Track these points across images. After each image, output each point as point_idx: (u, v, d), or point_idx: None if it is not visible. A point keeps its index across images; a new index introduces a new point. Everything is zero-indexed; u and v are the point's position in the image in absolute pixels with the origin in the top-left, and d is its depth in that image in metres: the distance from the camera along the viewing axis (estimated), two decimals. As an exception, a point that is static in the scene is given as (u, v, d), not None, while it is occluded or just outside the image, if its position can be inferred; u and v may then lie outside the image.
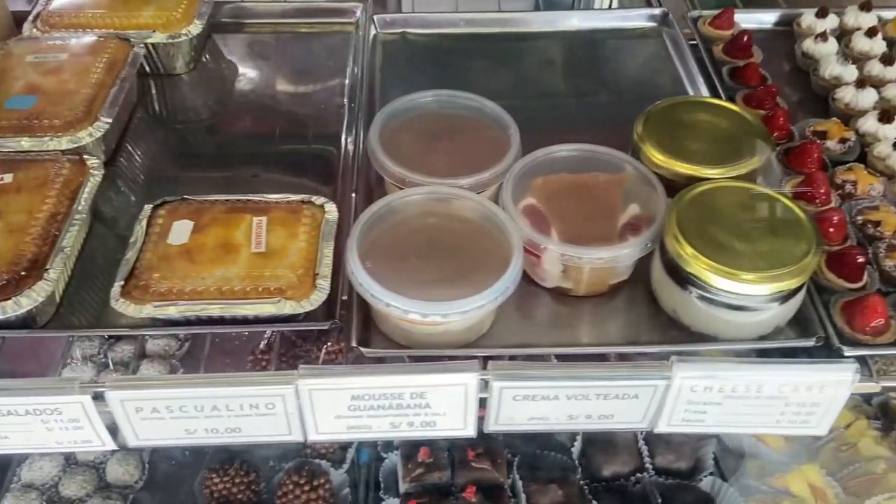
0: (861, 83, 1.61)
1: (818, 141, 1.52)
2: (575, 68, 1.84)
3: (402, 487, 1.55)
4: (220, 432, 1.20)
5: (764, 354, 1.25)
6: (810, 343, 1.19)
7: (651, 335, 1.25)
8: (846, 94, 1.62)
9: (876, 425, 1.71)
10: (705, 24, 1.86)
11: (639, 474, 1.60)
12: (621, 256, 1.21)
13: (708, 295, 1.16)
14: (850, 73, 1.67)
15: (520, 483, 1.56)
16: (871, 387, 1.18)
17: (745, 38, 1.75)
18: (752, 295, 1.13)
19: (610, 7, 2.56)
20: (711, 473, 1.62)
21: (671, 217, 1.19)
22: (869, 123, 1.54)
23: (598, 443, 1.65)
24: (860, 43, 1.76)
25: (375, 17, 1.93)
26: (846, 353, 1.17)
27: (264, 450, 1.67)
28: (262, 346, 1.83)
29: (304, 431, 1.20)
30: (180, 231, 1.24)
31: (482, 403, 1.17)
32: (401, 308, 1.11)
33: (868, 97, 1.60)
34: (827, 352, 1.20)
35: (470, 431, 1.23)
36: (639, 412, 1.20)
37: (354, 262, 1.16)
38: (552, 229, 1.27)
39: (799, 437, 1.71)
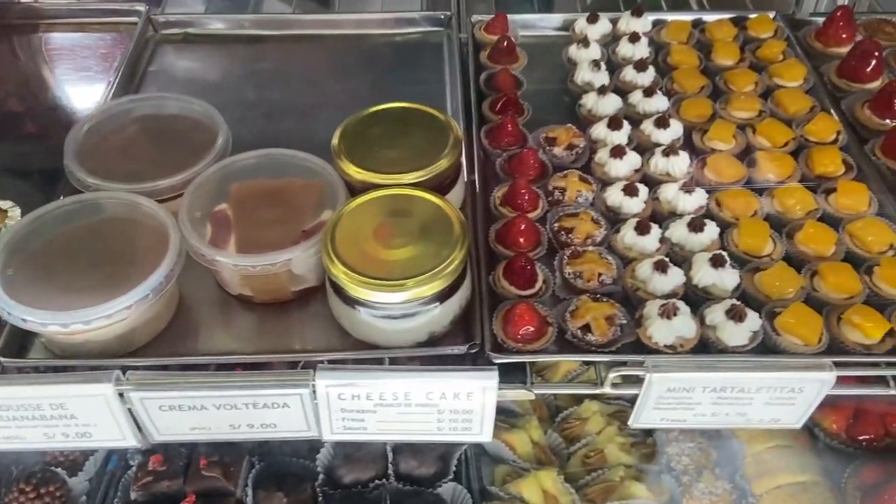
0: (603, 89, 1.61)
1: (548, 148, 1.52)
2: (343, 72, 1.83)
3: (131, 495, 1.53)
4: None
5: (442, 361, 1.24)
6: (463, 350, 1.19)
7: (317, 342, 1.24)
8: (589, 100, 1.62)
9: (634, 431, 1.71)
10: (481, 29, 1.86)
11: (379, 480, 1.59)
12: (284, 263, 1.20)
13: (355, 304, 1.15)
14: (600, 78, 1.67)
15: (251, 492, 1.54)
16: (526, 395, 1.18)
17: (505, 44, 1.75)
18: (392, 303, 1.12)
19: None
20: (453, 479, 1.61)
21: (328, 228, 1.18)
22: (599, 130, 1.54)
23: (347, 448, 1.64)
24: (624, 49, 1.76)
25: (154, 18, 1.91)
26: (495, 360, 1.16)
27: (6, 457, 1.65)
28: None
29: (-46, 441, 1.19)
30: None
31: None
32: (18, 317, 1.09)
33: (609, 104, 1.60)
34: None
35: (132, 441, 1.21)
36: (299, 420, 1.19)
37: (-8, 270, 1.14)
38: (232, 236, 1.26)
39: (550, 441, 1.71)
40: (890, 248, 1.31)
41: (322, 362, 1.14)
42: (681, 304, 1.18)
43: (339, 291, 1.16)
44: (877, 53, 1.63)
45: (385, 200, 1.22)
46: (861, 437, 1.67)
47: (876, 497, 1.52)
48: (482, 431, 1.21)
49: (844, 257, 1.30)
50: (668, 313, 1.16)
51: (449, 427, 1.20)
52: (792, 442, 1.61)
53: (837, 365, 1.12)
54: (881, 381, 1.17)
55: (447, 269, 1.12)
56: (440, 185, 1.32)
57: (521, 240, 1.32)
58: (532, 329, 1.17)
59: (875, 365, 1.15)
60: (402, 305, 1.13)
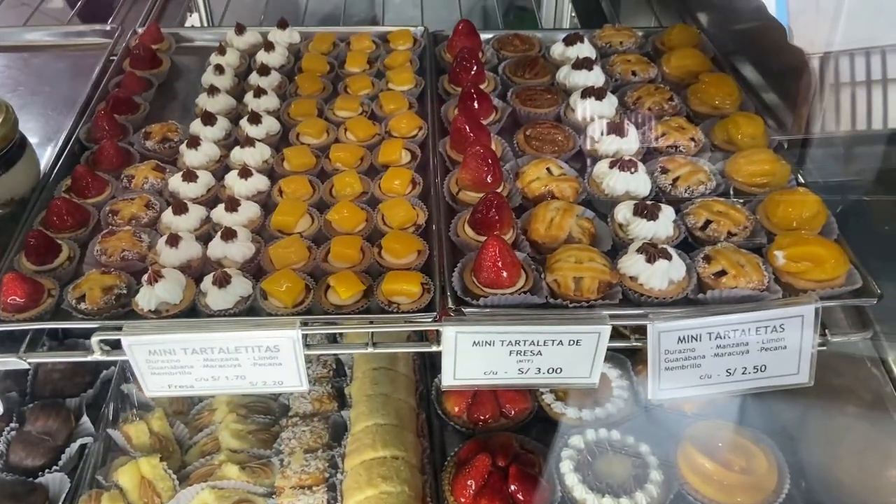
0: (212, 90, 1.70)
1: (143, 141, 1.59)
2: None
3: None
4: None
5: None
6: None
7: None
8: (201, 99, 1.71)
9: (258, 419, 1.76)
10: (135, 40, 1.94)
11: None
12: None
13: None
14: (219, 81, 1.77)
15: None
16: (18, 363, 1.21)
17: (142, 51, 1.83)
18: None
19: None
20: (64, 470, 1.61)
21: None
22: (195, 126, 1.63)
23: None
24: (260, 56, 1.88)
25: None
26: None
27: None
28: None
29: None
30: None
31: None
32: None
33: (217, 103, 1.70)
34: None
35: None
36: None
37: None
38: None
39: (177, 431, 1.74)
40: (413, 225, 1.42)
41: None
42: (169, 272, 1.25)
43: None
44: (474, 61, 1.79)
45: None
46: (477, 418, 1.77)
47: (459, 471, 1.60)
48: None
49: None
50: (150, 279, 1.22)
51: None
52: (398, 422, 1.68)
53: (304, 324, 1.21)
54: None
55: None
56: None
57: (66, 220, 1.38)
58: (20, 299, 1.21)
59: (335, 323, 1.25)
60: None
